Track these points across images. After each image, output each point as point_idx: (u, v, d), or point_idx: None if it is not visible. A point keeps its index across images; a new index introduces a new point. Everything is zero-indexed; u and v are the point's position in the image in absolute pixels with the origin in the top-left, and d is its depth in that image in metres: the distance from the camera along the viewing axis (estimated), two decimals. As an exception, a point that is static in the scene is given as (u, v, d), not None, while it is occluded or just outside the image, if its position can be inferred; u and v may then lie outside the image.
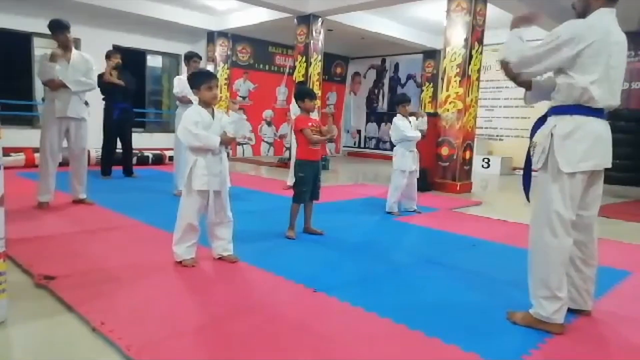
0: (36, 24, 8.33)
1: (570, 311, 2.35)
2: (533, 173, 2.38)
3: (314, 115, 4.10)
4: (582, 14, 2.22)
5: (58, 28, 4.34)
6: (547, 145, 2.20)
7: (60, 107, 4.35)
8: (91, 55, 4.66)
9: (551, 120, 2.23)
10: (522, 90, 2.54)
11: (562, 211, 2.16)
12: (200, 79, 2.95)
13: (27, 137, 7.87)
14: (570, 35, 2.09)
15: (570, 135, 2.14)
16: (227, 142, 2.95)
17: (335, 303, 2.45)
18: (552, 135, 2.18)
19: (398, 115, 5.02)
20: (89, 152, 7.28)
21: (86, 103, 4.56)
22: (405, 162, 4.97)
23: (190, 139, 2.85)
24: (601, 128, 2.19)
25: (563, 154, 2.15)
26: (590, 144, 2.15)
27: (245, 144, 11.92)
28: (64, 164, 4.63)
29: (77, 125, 4.51)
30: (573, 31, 2.10)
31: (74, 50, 4.49)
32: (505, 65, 2.32)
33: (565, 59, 2.12)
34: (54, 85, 4.32)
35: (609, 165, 2.23)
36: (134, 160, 7.47)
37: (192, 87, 3.01)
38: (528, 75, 2.35)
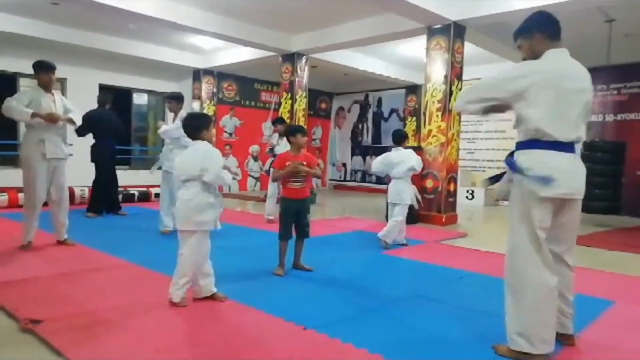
0: (22, 65, 8.38)
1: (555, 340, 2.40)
2: None
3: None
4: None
5: (43, 68, 4.36)
6: None
7: (51, 149, 4.33)
8: (77, 94, 4.70)
9: None
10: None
11: None
12: (206, 122, 3.13)
13: (10, 177, 7.80)
14: None
15: None
16: None
17: (325, 340, 2.45)
18: None
19: (393, 150, 5.15)
20: (73, 190, 7.29)
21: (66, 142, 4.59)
22: (412, 195, 5.15)
23: (227, 178, 3.02)
24: None
25: None
26: None
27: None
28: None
29: (62, 164, 4.52)
30: None
31: (54, 92, 4.50)
32: None
33: None
34: (53, 119, 4.27)
35: None
36: (120, 197, 7.42)
37: (199, 130, 3.05)
38: None
